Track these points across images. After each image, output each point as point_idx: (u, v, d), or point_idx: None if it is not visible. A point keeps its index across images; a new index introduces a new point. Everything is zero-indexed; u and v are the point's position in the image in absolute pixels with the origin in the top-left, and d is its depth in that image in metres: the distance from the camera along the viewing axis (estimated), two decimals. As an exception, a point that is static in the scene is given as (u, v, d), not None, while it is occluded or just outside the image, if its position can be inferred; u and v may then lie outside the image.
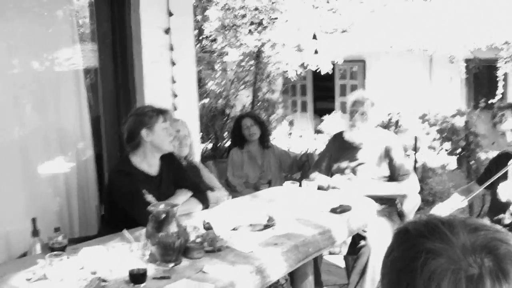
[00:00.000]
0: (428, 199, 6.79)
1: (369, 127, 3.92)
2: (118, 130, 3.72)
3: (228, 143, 7.93)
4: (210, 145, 8.19)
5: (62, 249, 2.41)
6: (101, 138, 4.03)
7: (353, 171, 3.95)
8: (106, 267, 2.29)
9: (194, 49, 4.51)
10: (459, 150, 6.76)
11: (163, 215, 2.34)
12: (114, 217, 3.05)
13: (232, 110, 8.47)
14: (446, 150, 6.91)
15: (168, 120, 3.15)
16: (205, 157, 6.68)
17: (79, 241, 2.83)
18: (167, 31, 4.14)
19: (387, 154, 3.91)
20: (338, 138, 4.15)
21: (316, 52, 9.33)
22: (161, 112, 3.13)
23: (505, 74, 11.64)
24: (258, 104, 8.82)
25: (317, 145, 8.48)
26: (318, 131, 12.82)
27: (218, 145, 8.05)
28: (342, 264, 4.36)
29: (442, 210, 3.39)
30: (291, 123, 9.53)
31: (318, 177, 4.00)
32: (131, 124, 3.09)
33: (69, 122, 3.86)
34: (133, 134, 3.07)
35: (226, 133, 8.11)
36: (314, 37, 9.23)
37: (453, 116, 6.93)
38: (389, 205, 3.95)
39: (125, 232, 2.57)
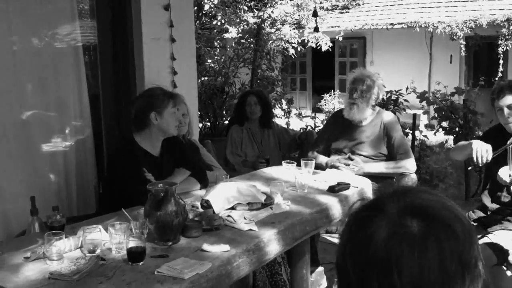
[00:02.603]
0: (426, 177, 6.80)
1: (369, 105, 3.91)
2: (118, 109, 3.72)
3: (226, 122, 7.92)
4: (208, 124, 8.18)
5: (61, 228, 2.42)
6: (100, 116, 4.02)
7: (352, 150, 3.95)
8: (104, 246, 2.31)
9: (194, 26, 4.48)
10: (457, 129, 6.73)
11: (162, 194, 2.35)
12: (113, 196, 3.06)
13: (231, 88, 8.44)
14: (443, 130, 6.89)
15: (177, 105, 3.16)
16: (203, 136, 6.67)
17: (77, 220, 2.84)
18: (166, 7, 4.11)
19: (386, 132, 3.91)
20: (337, 117, 4.14)
21: (317, 29, 9.26)
22: (172, 96, 3.13)
23: (506, 52, 11.58)
24: (258, 82, 8.79)
25: (316, 123, 8.47)
26: (317, 109, 12.80)
27: (217, 123, 8.03)
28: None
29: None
30: (290, 101, 9.50)
31: (317, 156, 4.00)
32: (141, 105, 3.10)
33: (68, 99, 3.85)
34: (141, 116, 3.08)
35: (224, 111, 8.09)
36: (315, 14, 9.15)
37: (452, 94, 6.89)
38: (386, 183, 3.96)
39: (124, 211, 2.57)
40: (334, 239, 4.69)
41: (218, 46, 10.23)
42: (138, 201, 2.72)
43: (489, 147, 3.09)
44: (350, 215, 1.00)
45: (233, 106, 5.87)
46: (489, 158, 3.06)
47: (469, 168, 3.28)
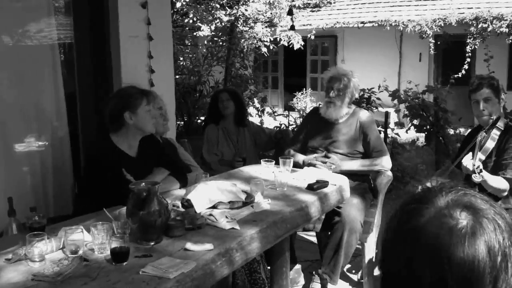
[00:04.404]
0: (397, 175, 6.91)
1: (345, 104, 3.96)
2: (95, 108, 3.68)
3: (200, 121, 7.90)
4: (182, 123, 8.14)
5: (41, 229, 2.39)
6: (76, 115, 3.98)
7: (328, 147, 3.99)
8: (86, 247, 2.29)
9: (171, 24, 4.47)
10: (428, 127, 6.86)
11: (145, 193, 2.34)
12: (91, 196, 3.03)
13: (204, 86, 8.42)
14: (415, 127, 7.01)
15: (151, 102, 3.14)
16: (178, 135, 6.64)
17: (54, 221, 2.81)
18: (144, 5, 4.09)
19: (362, 131, 3.96)
20: (314, 114, 4.18)
21: (293, 27, 9.29)
22: (145, 94, 3.11)
23: (474, 50, 11.82)
24: (232, 80, 8.78)
25: (290, 121, 8.52)
26: (289, 108, 12.86)
27: (191, 122, 8.00)
28: (315, 240, 4.43)
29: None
30: (263, 100, 9.52)
31: (294, 155, 4.03)
32: (114, 106, 3.07)
33: (44, 98, 3.80)
34: (115, 116, 3.05)
35: (198, 110, 8.07)
36: (290, 12, 9.18)
37: (424, 92, 7.01)
38: (362, 181, 4.02)
39: (105, 211, 2.55)
40: (311, 237, 4.74)
41: (189, 44, 10.20)
42: (118, 201, 2.71)
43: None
44: (399, 206, 1.04)
45: (207, 105, 5.86)
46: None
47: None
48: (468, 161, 3.13)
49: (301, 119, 9.06)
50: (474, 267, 0.92)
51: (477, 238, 0.93)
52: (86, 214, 2.74)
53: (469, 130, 3.80)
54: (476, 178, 3.05)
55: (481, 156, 3.24)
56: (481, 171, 3.08)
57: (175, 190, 3.18)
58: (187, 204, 2.79)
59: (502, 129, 3.31)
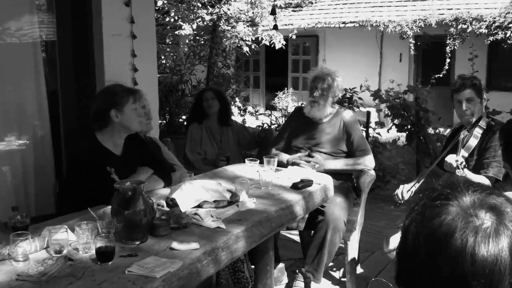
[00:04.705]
0: (379, 174, 6.95)
1: (329, 103, 3.98)
2: (77, 106, 3.64)
3: (181, 120, 7.87)
4: (164, 122, 8.10)
5: (25, 228, 2.36)
6: (59, 113, 3.93)
7: (312, 147, 4.01)
8: (71, 246, 2.27)
9: (155, 22, 4.44)
10: (409, 126, 6.91)
11: (130, 193, 2.33)
12: (75, 195, 3.00)
13: (186, 85, 8.39)
14: (396, 127, 7.06)
15: (138, 100, 3.12)
16: (160, 134, 6.60)
17: (36, 220, 2.77)
18: (127, 3, 4.07)
19: (346, 130, 3.98)
20: (298, 114, 4.19)
21: (276, 27, 9.30)
22: (132, 92, 3.09)
23: (453, 51, 11.96)
24: (214, 80, 8.76)
25: (272, 121, 8.53)
26: (270, 107, 12.87)
27: (173, 121, 7.97)
28: (298, 239, 4.45)
29: (398, 193, 3.50)
30: (246, 99, 9.52)
31: (278, 154, 4.04)
32: (101, 103, 3.04)
33: (26, 97, 3.75)
34: (101, 114, 3.02)
35: (180, 109, 8.03)
36: (273, 12, 9.19)
37: (405, 92, 7.07)
38: (346, 180, 4.04)
39: (90, 210, 2.53)
40: (294, 236, 4.75)
41: (170, 43, 10.15)
42: (103, 200, 2.68)
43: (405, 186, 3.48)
44: (423, 201, 1.07)
45: (189, 104, 5.83)
46: (406, 196, 3.43)
47: (392, 207, 3.56)
48: (451, 158, 3.18)
49: (283, 118, 9.09)
50: (496, 267, 0.95)
51: (501, 239, 0.97)
52: (69, 213, 2.71)
53: (448, 130, 3.86)
54: (459, 173, 3.10)
55: (464, 153, 3.29)
56: (465, 166, 3.13)
57: (159, 190, 3.17)
58: (172, 204, 2.78)
59: (484, 127, 3.36)
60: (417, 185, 3.44)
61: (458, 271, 0.96)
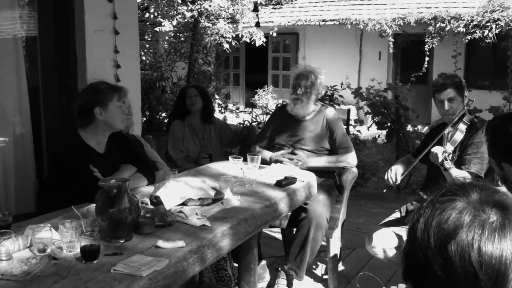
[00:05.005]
0: (359, 171, 6.99)
1: (312, 101, 3.99)
2: (59, 103, 3.60)
3: (162, 117, 7.83)
4: (144, 119, 8.05)
5: (7, 227, 2.33)
6: (40, 110, 3.88)
7: (295, 144, 4.02)
8: (54, 245, 2.24)
9: (138, 18, 4.41)
10: (389, 124, 6.98)
11: (115, 191, 2.31)
12: (57, 193, 2.96)
13: (167, 82, 8.34)
14: (376, 125, 7.12)
15: (122, 98, 3.09)
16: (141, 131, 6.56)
17: (17, 219, 2.73)
18: (110, -1, 4.02)
19: (328, 128, 4.00)
20: (281, 111, 4.20)
21: (258, 24, 9.29)
22: (116, 90, 3.06)
23: (432, 49, 12.08)
24: (195, 77, 8.73)
25: (252, 118, 8.53)
26: (250, 104, 12.87)
27: (154, 118, 7.92)
28: (280, 236, 4.46)
29: (391, 176, 3.56)
30: (227, 96, 9.51)
31: (261, 151, 4.04)
32: (84, 100, 3.01)
33: (6, 93, 3.69)
34: (85, 111, 2.99)
35: (161, 106, 7.99)
36: (256, 9, 9.18)
37: (385, 90, 7.13)
38: (328, 177, 4.05)
39: (73, 208, 2.51)
40: (276, 233, 4.76)
41: (149, 39, 10.09)
42: (86, 199, 2.66)
43: (398, 167, 3.55)
44: (431, 198, 1.11)
45: (170, 101, 5.80)
46: (399, 179, 3.51)
47: (384, 190, 3.64)
48: (439, 149, 3.21)
49: (264, 116, 9.09)
50: (502, 261, 1.00)
51: (506, 234, 1.02)
52: (51, 211, 2.67)
53: (426, 127, 3.90)
54: (447, 164, 3.15)
55: (449, 147, 3.33)
56: (452, 159, 3.17)
57: (143, 187, 3.14)
58: (156, 201, 2.76)
59: (468, 123, 3.40)
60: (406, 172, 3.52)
61: (466, 264, 1.01)
